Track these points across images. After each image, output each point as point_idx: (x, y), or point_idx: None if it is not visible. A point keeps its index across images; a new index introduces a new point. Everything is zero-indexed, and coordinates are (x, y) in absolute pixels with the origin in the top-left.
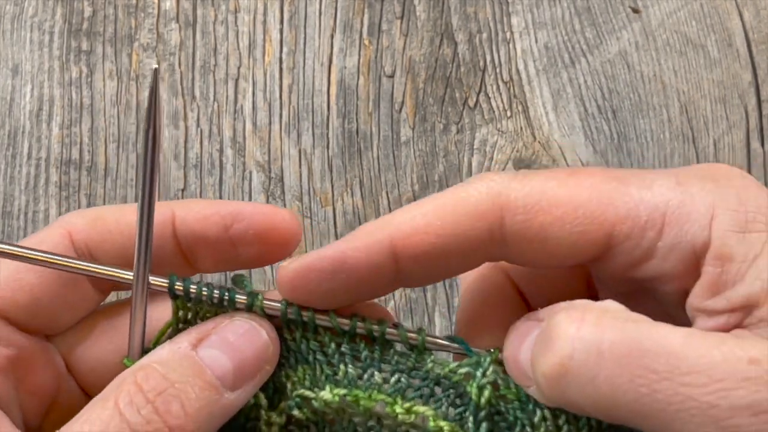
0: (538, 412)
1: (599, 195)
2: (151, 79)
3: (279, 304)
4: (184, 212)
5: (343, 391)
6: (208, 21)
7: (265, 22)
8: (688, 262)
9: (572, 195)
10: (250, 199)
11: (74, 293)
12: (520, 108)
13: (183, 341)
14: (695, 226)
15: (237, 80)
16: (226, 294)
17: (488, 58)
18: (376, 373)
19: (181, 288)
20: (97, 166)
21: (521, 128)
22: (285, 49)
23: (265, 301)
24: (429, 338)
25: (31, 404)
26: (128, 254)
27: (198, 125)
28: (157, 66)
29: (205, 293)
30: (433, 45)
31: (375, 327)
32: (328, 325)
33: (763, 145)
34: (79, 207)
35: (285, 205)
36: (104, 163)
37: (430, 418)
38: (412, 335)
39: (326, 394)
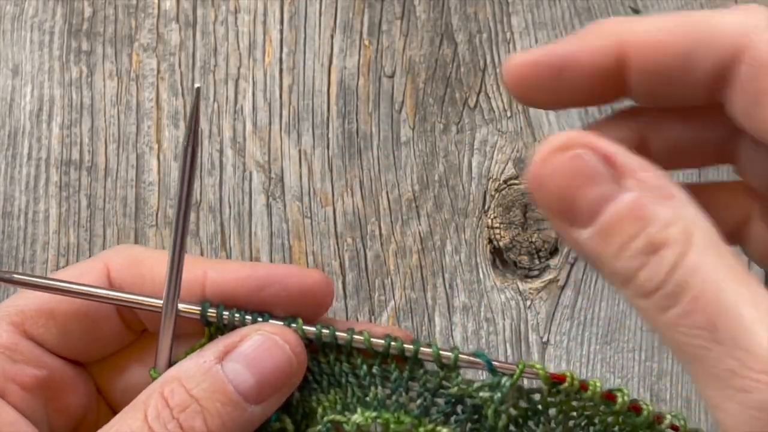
0: (540, 424)
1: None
2: (193, 99)
3: (314, 328)
4: (217, 273)
5: (374, 414)
6: (208, 21)
7: (265, 22)
8: None
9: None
10: (250, 199)
11: (106, 329)
12: (520, 108)
13: (209, 354)
14: None
15: (237, 80)
16: (260, 319)
17: (488, 58)
18: (403, 393)
19: (215, 315)
20: (97, 166)
21: (521, 128)
22: (285, 50)
23: (303, 325)
24: (460, 356)
25: (59, 422)
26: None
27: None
28: (199, 86)
29: (237, 318)
30: (433, 45)
31: (408, 347)
32: (364, 347)
33: None
34: (79, 207)
35: (285, 206)
36: (104, 164)
37: None
38: (445, 353)
39: (358, 417)
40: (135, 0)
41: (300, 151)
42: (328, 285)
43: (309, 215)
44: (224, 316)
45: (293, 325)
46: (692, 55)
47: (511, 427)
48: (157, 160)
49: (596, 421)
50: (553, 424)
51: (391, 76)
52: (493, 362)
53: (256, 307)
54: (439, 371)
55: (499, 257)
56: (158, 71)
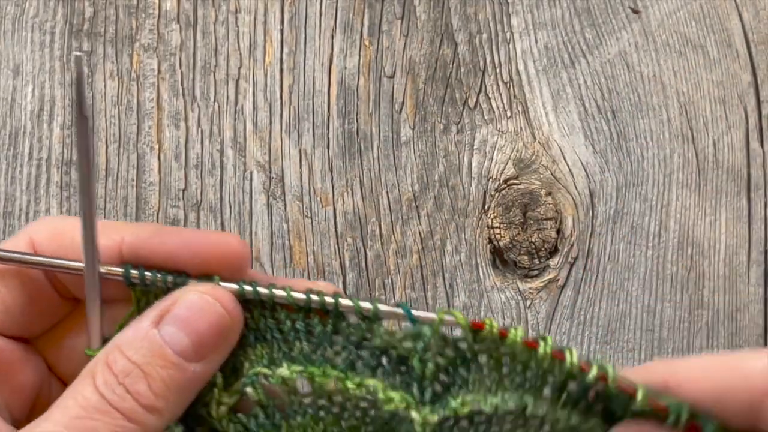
0: (471, 372)
1: None
2: (75, 66)
3: (236, 285)
4: (133, 238)
5: (299, 368)
6: (209, 21)
7: (265, 22)
8: None
9: None
10: (250, 199)
11: (42, 301)
12: (520, 108)
13: (145, 321)
14: None
15: (237, 81)
16: (179, 279)
17: (488, 58)
18: (328, 347)
19: (137, 275)
20: (97, 166)
21: (521, 128)
22: (285, 50)
23: (221, 282)
24: (380, 307)
25: (15, 402)
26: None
27: (199, 125)
28: (79, 54)
29: (159, 279)
30: (433, 45)
31: (329, 299)
32: (285, 302)
33: (762, 145)
34: (80, 207)
35: (285, 206)
36: (105, 164)
37: (380, 391)
38: (365, 305)
39: (283, 370)
40: (136, 0)
41: (300, 151)
42: (244, 249)
43: (309, 215)
44: (147, 277)
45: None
46: (724, 395)
47: (442, 376)
48: (157, 160)
49: (532, 365)
50: (485, 371)
51: (392, 77)
52: (414, 312)
53: (174, 270)
54: (361, 324)
55: (499, 257)
56: (159, 71)
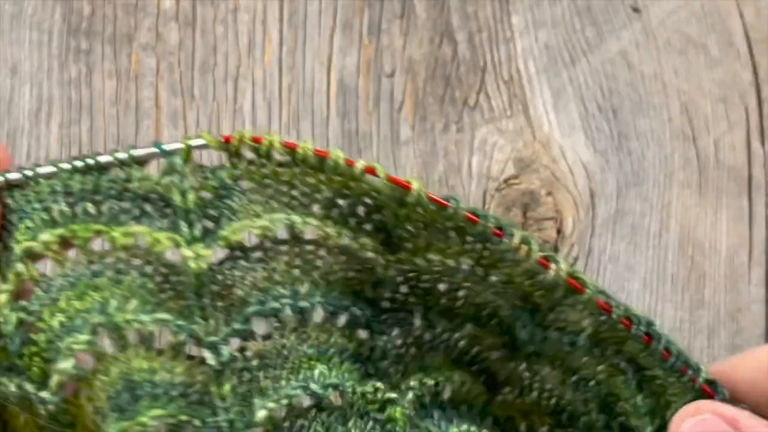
0: (236, 199)
1: None
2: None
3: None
4: None
5: (60, 230)
6: (208, 20)
7: (264, 21)
8: None
9: None
10: None
11: None
12: (520, 107)
13: None
14: None
15: (236, 80)
16: None
17: (488, 57)
18: (88, 204)
19: None
20: None
21: (521, 128)
22: (284, 49)
23: None
24: (133, 152)
25: None
26: None
27: (197, 125)
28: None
29: None
30: (433, 44)
31: (89, 160)
32: (50, 171)
33: (763, 144)
34: None
35: None
36: None
37: (146, 234)
38: (121, 155)
39: (43, 235)
40: None
41: None
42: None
43: None
44: None
45: None
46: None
47: (210, 211)
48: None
49: (296, 183)
50: (250, 196)
51: (391, 76)
52: (165, 146)
53: None
54: (119, 174)
55: None
56: (157, 70)
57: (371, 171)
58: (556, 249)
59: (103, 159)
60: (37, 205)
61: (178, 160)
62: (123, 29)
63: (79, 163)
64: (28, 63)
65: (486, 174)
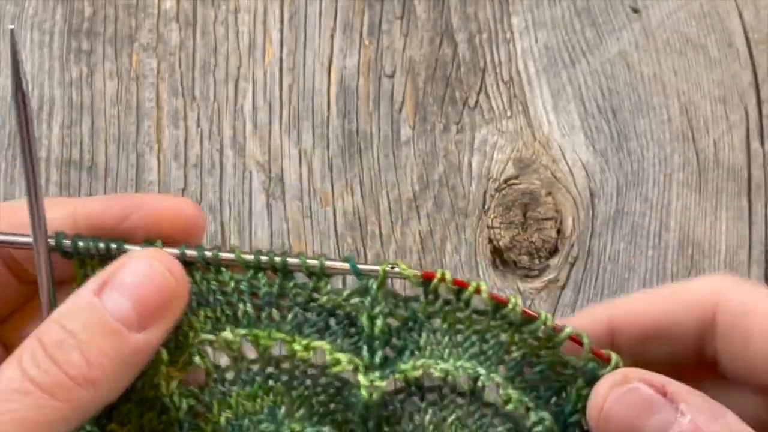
0: (424, 335)
1: None
2: (9, 39)
3: (177, 250)
4: (84, 208)
5: (243, 331)
6: (209, 21)
7: (265, 22)
8: None
9: None
10: (250, 199)
11: None
12: (520, 108)
13: (85, 290)
14: None
15: (237, 80)
16: (117, 245)
17: (488, 58)
18: (273, 310)
19: (70, 245)
20: (97, 166)
21: (521, 128)
22: (285, 49)
23: (165, 248)
24: (325, 262)
25: None
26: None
27: (198, 125)
28: (12, 26)
29: (94, 246)
30: (433, 45)
31: (277, 259)
32: (231, 262)
33: (763, 144)
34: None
35: (285, 205)
36: (104, 163)
37: (327, 353)
38: (311, 261)
39: (227, 334)
40: (135, 0)
41: (300, 150)
42: (197, 212)
43: (309, 215)
44: (80, 246)
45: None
46: (673, 318)
47: (393, 340)
48: (157, 160)
49: (488, 337)
50: (439, 336)
51: (391, 76)
52: (360, 266)
53: (124, 236)
54: (308, 283)
55: (499, 257)
56: (158, 71)
57: (576, 339)
58: (555, 249)
59: (292, 262)
60: (220, 297)
61: (372, 284)
62: (124, 30)
63: (264, 259)
64: (29, 63)
65: (486, 174)
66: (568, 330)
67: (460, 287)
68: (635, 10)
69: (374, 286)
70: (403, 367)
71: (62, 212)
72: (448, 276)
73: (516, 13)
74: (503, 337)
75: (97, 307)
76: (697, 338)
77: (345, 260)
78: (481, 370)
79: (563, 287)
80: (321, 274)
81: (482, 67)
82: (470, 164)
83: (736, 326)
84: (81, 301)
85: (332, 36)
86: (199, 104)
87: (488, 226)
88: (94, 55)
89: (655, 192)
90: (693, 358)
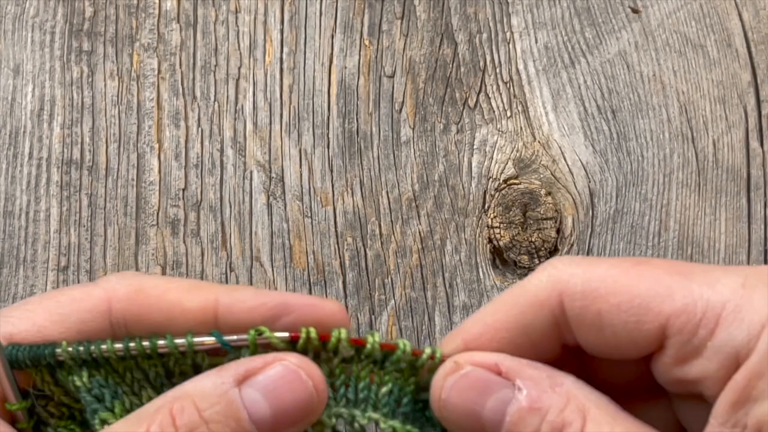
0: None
1: (659, 286)
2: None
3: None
4: (229, 301)
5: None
6: (209, 21)
7: (265, 22)
8: (730, 368)
9: (631, 284)
10: (250, 198)
11: None
12: (520, 108)
13: (228, 376)
14: (744, 333)
15: (237, 80)
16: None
17: (488, 58)
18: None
19: (234, 340)
20: (98, 165)
21: (521, 128)
22: (285, 50)
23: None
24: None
25: None
26: (163, 332)
27: (199, 125)
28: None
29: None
30: (433, 45)
31: (145, 343)
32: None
33: (762, 145)
34: (80, 207)
35: (285, 205)
36: (105, 163)
37: None
38: (179, 341)
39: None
40: (136, 0)
41: (300, 150)
42: (345, 316)
43: (309, 215)
44: (231, 340)
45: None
46: (524, 325)
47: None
48: (157, 160)
49: (357, 380)
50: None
51: (392, 76)
52: (227, 337)
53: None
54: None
55: (499, 257)
56: (159, 71)
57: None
58: (555, 249)
59: (161, 344)
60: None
61: (245, 353)
62: (125, 30)
63: (132, 345)
64: (30, 63)
65: (486, 174)
66: (427, 351)
67: (323, 341)
68: (635, 11)
69: (247, 355)
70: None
71: (202, 303)
72: (313, 333)
73: (516, 14)
74: (368, 377)
75: (235, 401)
76: (555, 335)
77: (210, 335)
78: (356, 412)
79: None
80: (192, 353)
81: (482, 68)
82: (470, 164)
83: (585, 313)
84: (221, 387)
85: (332, 36)
86: (200, 104)
87: (488, 226)
88: (94, 55)
89: (654, 192)
90: (558, 347)
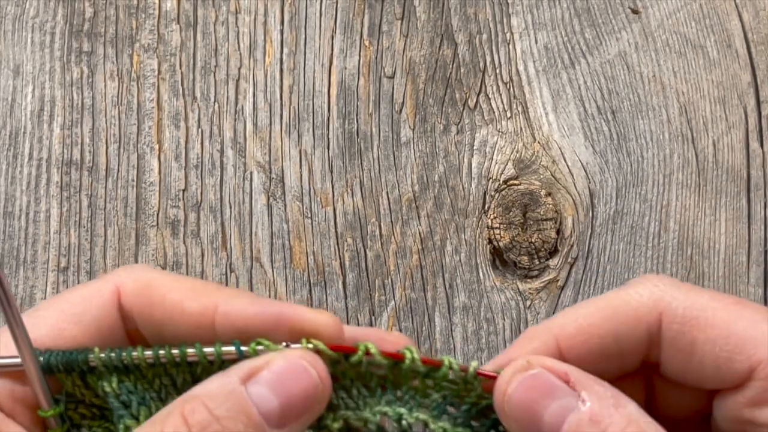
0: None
1: (756, 330)
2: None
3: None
4: (227, 308)
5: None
6: (209, 22)
7: (265, 23)
8: None
9: (730, 321)
10: (251, 199)
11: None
12: (519, 108)
13: (233, 375)
14: None
15: (237, 81)
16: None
17: (488, 58)
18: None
19: (233, 352)
20: (98, 166)
21: (521, 129)
22: (285, 50)
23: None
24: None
25: None
26: (166, 330)
27: (199, 126)
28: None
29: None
30: (433, 46)
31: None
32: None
33: (762, 145)
34: (80, 207)
35: (285, 206)
36: (105, 164)
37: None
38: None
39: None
40: (136, 1)
41: (300, 151)
42: (339, 327)
43: (309, 215)
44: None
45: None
46: (619, 336)
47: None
48: (158, 161)
49: (399, 384)
50: (348, 392)
51: (392, 77)
52: (242, 348)
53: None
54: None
55: (499, 257)
56: (159, 72)
57: (488, 375)
58: (555, 249)
59: (190, 352)
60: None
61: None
62: (125, 31)
63: (134, 354)
64: (30, 64)
65: (486, 175)
66: (474, 365)
67: (396, 359)
68: (635, 11)
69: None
70: (324, 422)
71: (201, 308)
72: (321, 345)
73: (516, 14)
74: (415, 383)
75: (243, 397)
76: (643, 350)
77: (232, 344)
78: (402, 410)
79: (563, 288)
80: (220, 362)
81: (482, 68)
82: (470, 165)
83: (681, 336)
84: (228, 386)
85: (332, 37)
86: (200, 105)
87: (488, 227)
88: (95, 56)
89: (654, 192)
90: (639, 362)
